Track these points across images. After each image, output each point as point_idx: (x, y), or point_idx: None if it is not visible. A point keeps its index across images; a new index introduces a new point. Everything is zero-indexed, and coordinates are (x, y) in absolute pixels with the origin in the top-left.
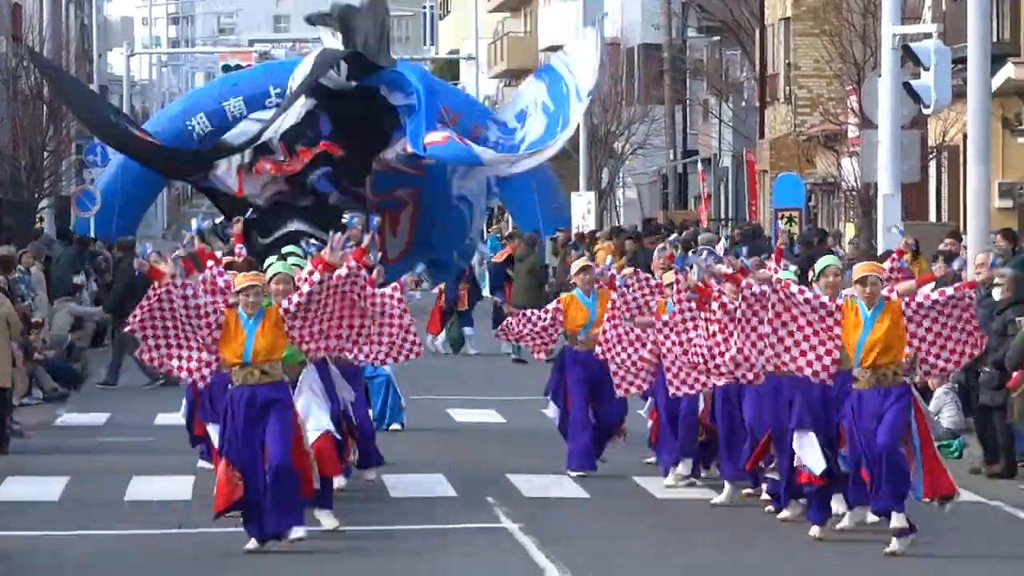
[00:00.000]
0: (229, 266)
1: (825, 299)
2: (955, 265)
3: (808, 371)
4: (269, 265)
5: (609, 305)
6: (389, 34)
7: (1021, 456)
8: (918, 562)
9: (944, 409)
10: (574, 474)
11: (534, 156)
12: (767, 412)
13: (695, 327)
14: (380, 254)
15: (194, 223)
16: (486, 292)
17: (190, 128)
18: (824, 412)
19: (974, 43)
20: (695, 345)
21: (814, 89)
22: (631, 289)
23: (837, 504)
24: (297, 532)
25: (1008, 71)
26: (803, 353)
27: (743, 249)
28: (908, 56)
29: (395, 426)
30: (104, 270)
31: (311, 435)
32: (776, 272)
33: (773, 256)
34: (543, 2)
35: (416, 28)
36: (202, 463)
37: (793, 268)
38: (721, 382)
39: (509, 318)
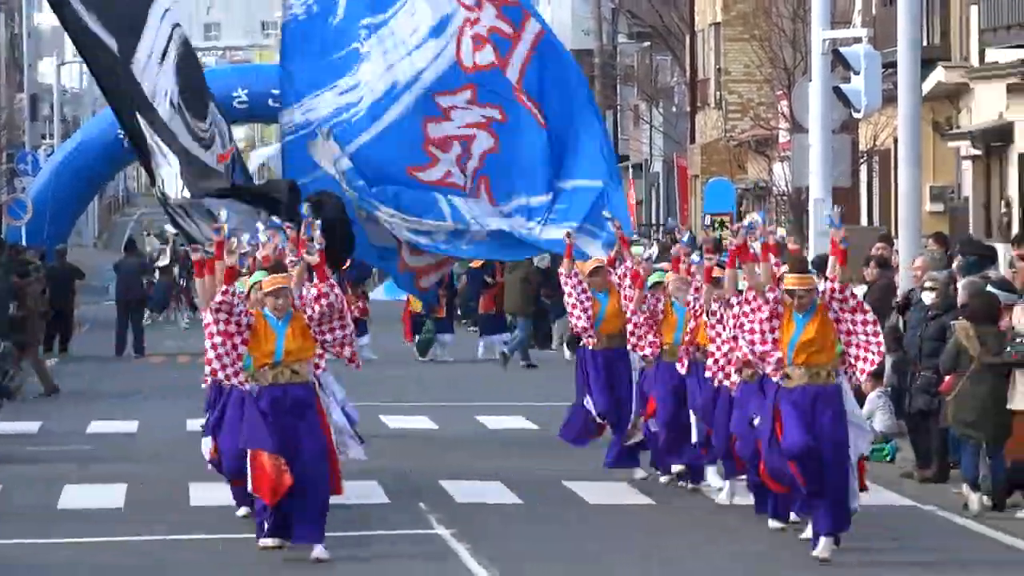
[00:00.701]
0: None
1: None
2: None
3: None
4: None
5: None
6: None
7: (953, 460)
8: (848, 565)
9: (877, 413)
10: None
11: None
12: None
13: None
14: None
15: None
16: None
17: (121, 136)
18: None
19: (904, 47)
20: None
21: (745, 94)
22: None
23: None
24: (319, 552)
25: (938, 75)
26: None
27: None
28: (838, 61)
29: None
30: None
31: None
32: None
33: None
34: None
35: None
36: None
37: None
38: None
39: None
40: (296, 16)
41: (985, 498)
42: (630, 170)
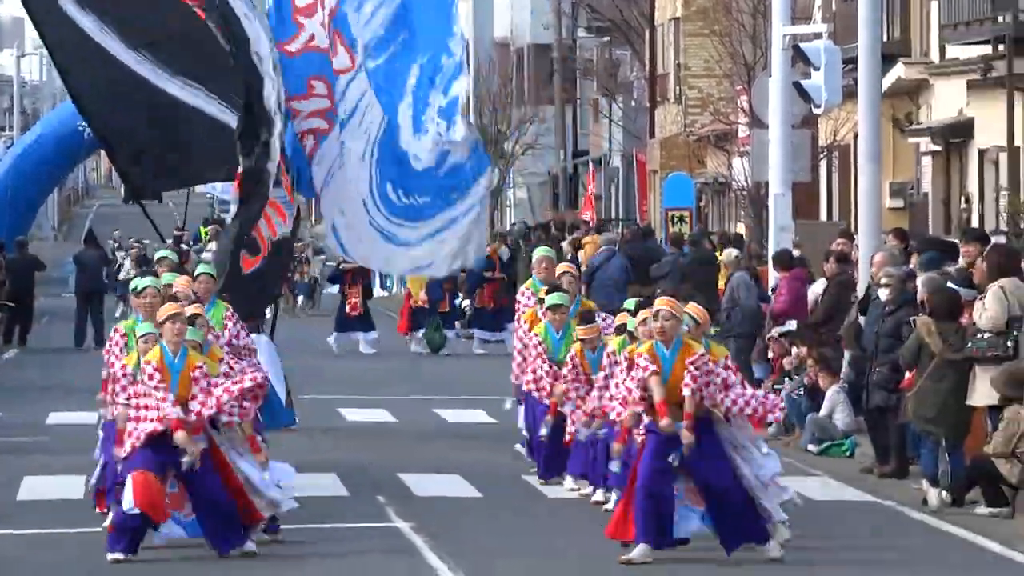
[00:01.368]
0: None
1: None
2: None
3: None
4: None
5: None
6: None
7: (912, 456)
8: (806, 562)
9: (837, 409)
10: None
11: None
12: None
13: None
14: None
15: None
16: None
17: (81, 128)
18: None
19: (864, 43)
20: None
21: (704, 89)
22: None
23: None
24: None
25: (898, 71)
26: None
27: None
28: (798, 56)
29: (293, 427)
30: None
31: None
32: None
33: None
34: None
35: None
36: None
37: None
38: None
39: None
40: None
41: (944, 494)
42: (589, 164)
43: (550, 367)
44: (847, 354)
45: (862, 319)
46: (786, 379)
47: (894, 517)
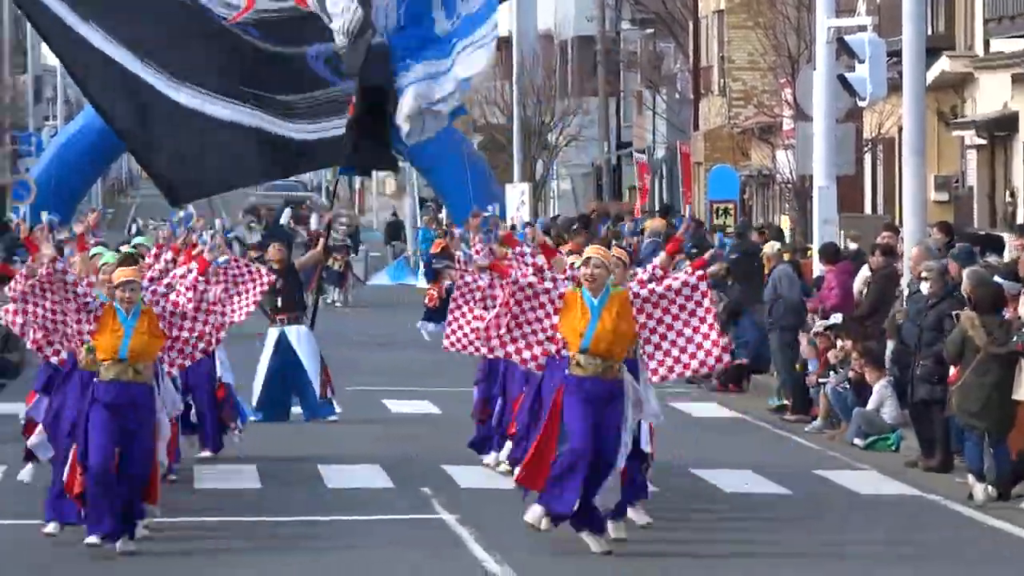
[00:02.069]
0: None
1: (549, 284)
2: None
3: (520, 361)
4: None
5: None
6: None
7: (957, 449)
8: (851, 556)
9: (885, 403)
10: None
11: None
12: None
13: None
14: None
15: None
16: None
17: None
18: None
19: (909, 36)
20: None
21: (748, 82)
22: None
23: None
24: (128, 545)
25: (943, 64)
26: (514, 340)
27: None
28: (843, 49)
29: (332, 418)
30: None
31: None
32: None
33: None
34: None
35: None
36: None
37: (686, 265)
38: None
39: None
40: None
41: (990, 488)
42: (633, 156)
43: None
44: (889, 348)
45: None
46: (831, 372)
47: (939, 511)
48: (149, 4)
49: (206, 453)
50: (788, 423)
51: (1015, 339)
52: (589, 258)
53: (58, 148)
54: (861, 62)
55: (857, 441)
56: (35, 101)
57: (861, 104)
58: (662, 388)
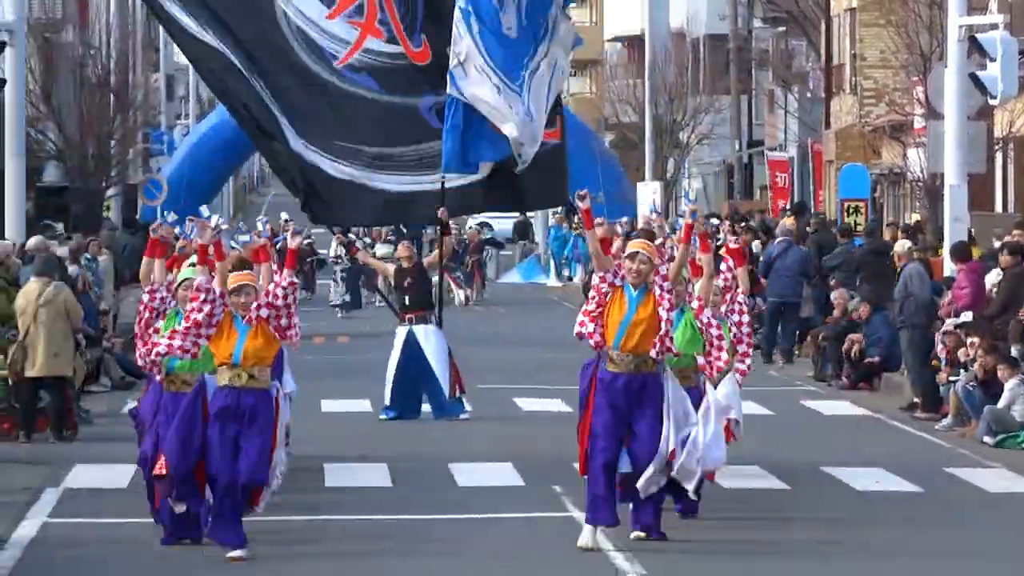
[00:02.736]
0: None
1: (600, 280)
2: None
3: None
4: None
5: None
6: None
7: None
8: (982, 554)
9: (1016, 401)
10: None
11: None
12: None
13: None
14: None
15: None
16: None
17: None
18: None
19: None
20: None
21: (880, 80)
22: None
23: None
24: (239, 552)
25: None
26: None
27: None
28: (974, 47)
29: (463, 416)
30: None
31: None
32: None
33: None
34: None
35: None
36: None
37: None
38: None
39: None
40: None
41: None
42: (764, 154)
43: None
44: (1014, 349)
45: None
46: (961, 371)
47: None
48: (263, 55)
49: None
50: (919, 421)
51: None
52: (636, 252)
53: (190, 147)
54: (992, 60)
55: (987, 439)
56: (167, 99)
57: (992, 102)
58: (793, 388)
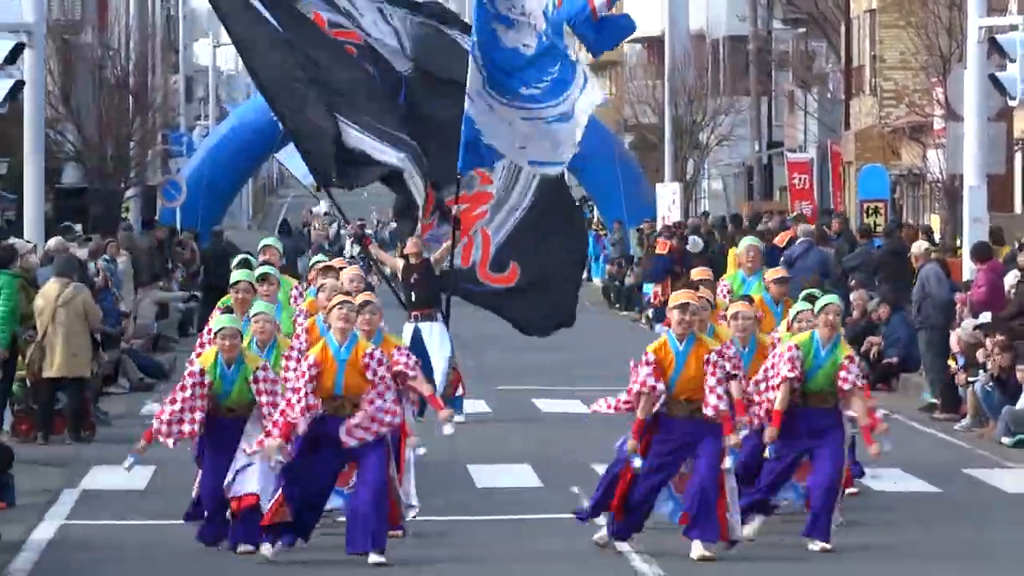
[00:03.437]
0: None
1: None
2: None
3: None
4: (237, 282)
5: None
6: None
7: None
8: (1000, 554)
9: None
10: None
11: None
12: None
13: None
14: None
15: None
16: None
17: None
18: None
19: None
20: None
21: (900, 81)
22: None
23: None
24: (376, 558)
25: None
26: None
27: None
28: (994, 48)
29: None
30: (190, 260)
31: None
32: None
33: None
34: None
35: None
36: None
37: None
38: None
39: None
40: None
41: None
42: (784, 156)
43: None
44: None
45: None
46: (979, 371)
47: None
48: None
49: None
50: (937, 421)
51: None
52: (686, 304)
53: (209, 149)
54: (1012, 61)
55: (1005, 440)
56: (186, 101)
57: (1012, 103)
58: None
